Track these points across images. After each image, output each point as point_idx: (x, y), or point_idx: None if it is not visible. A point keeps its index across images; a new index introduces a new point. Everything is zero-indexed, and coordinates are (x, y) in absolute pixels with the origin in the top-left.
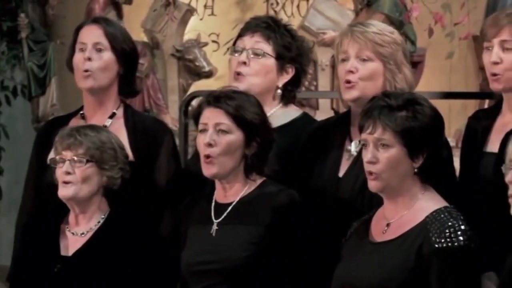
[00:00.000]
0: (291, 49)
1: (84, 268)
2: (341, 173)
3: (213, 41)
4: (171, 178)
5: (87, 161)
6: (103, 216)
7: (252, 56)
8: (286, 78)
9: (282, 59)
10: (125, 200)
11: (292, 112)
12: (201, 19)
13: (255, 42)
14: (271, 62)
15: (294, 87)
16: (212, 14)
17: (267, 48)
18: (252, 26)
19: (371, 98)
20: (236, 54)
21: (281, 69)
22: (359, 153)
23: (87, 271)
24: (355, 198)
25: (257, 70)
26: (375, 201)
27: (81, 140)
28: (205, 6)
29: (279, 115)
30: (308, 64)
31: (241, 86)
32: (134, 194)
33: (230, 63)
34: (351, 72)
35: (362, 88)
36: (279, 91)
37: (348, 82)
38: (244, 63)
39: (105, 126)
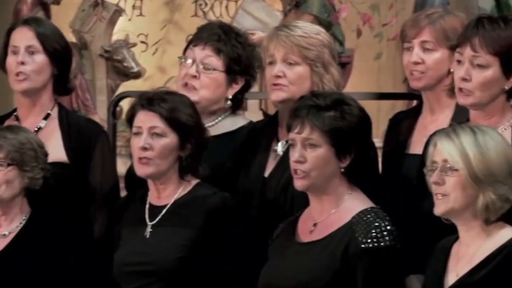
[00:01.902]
0: (241, 61)
1: (7, 269)
2: (267, 173)
3: (142, 42)
4: (105, 178)
5: (8, 164)
6: (24, 217)
7: (202, 70)
8: (235, 89)
9: (232, 73)
10: (50, 201)
11: (239, 120)
12: (129, 20)
13: (206, 55)
14: (221, 76)
15: (243, 94)
16: (141, 14)
17: (217, 63)
18: (204, 37)
19: (299, 98)
20: (186, 62)
21: (231, 82)
22: (285, 153)
23: (10, 272)
24: (278, 197)
25: (206, 84)
26: (297, 200)
27: (1, 144)
28: (134, 7)
29: (227, 122)
30: (257, 71)
31: (190, 97)
32: (69, 195)
33: (179, 70)
34: (278, 76)
35: (290, 90)
36: (229, 102)
37: (276, 84)
38: (195, 76)
39: (40, 128)
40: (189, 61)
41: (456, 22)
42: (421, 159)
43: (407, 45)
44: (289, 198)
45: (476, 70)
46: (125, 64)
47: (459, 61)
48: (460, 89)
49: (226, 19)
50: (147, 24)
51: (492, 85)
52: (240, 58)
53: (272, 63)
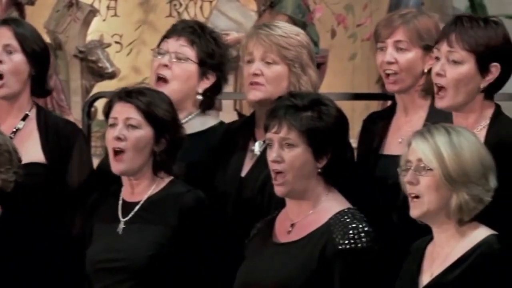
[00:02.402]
0: (214, 56)
1: None
2: (244, 173)
3: (116, 42)
4: (83, 179)
5: None
6: None
7: (174, 60)
8: (206, 84)
9: (204, 65)
10: (26, 201)
11: (209, 120)
12: (104, 20)
13: (179, 45)
14: (193, 67)
15: (214, 94)
16: (115, 15)
17: (191, 53)
18: (178, 29)
19: (277, 98)
20: (159, 56)
21: (202, 75)
22: (262, 153)
23: None
24: (255, 197)
25: (178, 75)
26: (274, 199)
27: None
28: (108, 7)
29: (196, 121)
30: (229, 72)
31: (161, 90)
32: (45, 196)
33: (152, 65)
34: (256, 74)
35: (267, 90)
36: (199, 96)
37: (253, 83)
38: (166, 65)
39: (18, 129)
40: (162, 51)
41: (429, 22)
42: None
43: (381, 45)
44: (267, 197)
45: (451, 66)
46: (99, 64)
47: (437, 58)
48: (437, 91)
49: (200, 20)
50: (122, 24)
51: (466, 82)
52: (214, 53)
53: (250, 61)
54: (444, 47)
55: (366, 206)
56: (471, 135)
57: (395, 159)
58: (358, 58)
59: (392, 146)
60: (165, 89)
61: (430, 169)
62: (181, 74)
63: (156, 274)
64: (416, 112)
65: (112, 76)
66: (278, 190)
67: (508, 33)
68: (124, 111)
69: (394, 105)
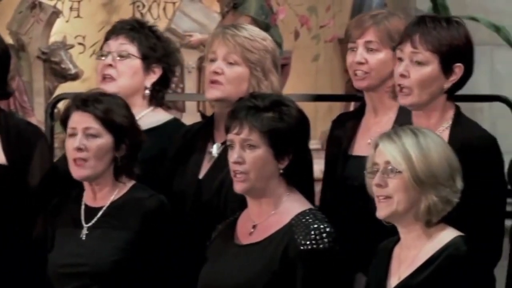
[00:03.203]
0: (157, 49)
1: None
2: (201, 175)
3: (79, 44)
4: (44, 182)
5: None
6: None
7: (118, 58)
8: (153, 78)
9: (148, 59)
10: None
11: (161, 116)
12: (67, 21)
13: (119, 44)
14: (137, 62)
15: (162, 88)
16: (78, 16)
17: (132, 49)
18: (117, 29)
19: (238, 99)
20: (103, 58)
21: (147, 69)
22: (220, 155)
23: None
24: (212, 199)
25: (123, 72)
26: (231, 202)
27: None
28: (71, 8)
29: (148, 118)
30: (175, 64)
31: (109, 88)
32: (5, 197)
33: (98, 68)
34: (217, 73)
35: (226, 89)
36: (147, 91)
37: (213, 82)
38: (110, 65)
39: None
40: (105, 53)
41: (400, 23)
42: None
43: (351, 45)
44: (223, 199)
45: (414, 67)
46: (62, 66)
47: (400, 59)
48: (400, 89)
49: (164, 21)
50: (85, 25)
51: (430, 83)
52: (156, 46)
53: (213, 60)
54: (407, 48)
55: (334, 206)
56: (437, 137)
57: (364, 160)
58: (321, 60)
59: (361, 147)
60: (112, 86)
61: (399, 172)
62: (126, 70)
63: (120, 279)
64: (385, 113)
65: (75, 77)
66: (238, 187)
67: (469, 34)
68: (82, 121)
69: (363, 105)
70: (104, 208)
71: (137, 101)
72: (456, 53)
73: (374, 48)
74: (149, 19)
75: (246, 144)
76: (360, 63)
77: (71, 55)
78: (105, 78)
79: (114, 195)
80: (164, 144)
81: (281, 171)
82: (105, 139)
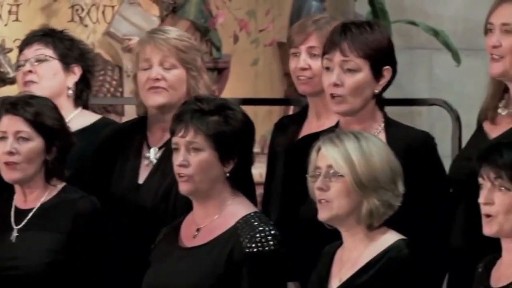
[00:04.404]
0: (73, 49)
1: None
2: (141, 180)
3: (18, 47)
4: None
5: None
6: None
7: (36, 63)
8: (74, 78)
9: (66, 58)
10: None
11: (90, 117)
12: (5, 25)
13: (35, 50)
14: (55, 64)
15: (85, 87)
16: (17, 20)
17: (48, 51)
18: (29, 39)
19: (184, 103)
20: (21, 68)
21: (67, 69)
22: (160, 160)
23: None
24: (158, 205)
25: (43, 74)
26: (179, 207)
27: None
28: (10, 12)
29: (77, 120)
30: (93, 64)
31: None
32: None
33: (18, 78)
34: (157, 79)
35: (169, 94)
36: (70, 91)
37: (154, 88)
38: (30, 71)
39: None
40: (22, 62)
41: None
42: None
43: (294, 50)
44: (171, 206)
45: (347, 75)
46: (1, 69)
47: (327, 68)
48: (332, 96)
49: (103, 25)
50: (24, 29)
51: (363, 89)
52: (71, 46)
53: (148, 67)
54: (337, 57)
55: (276, 209)
56: (379, 141)
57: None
58: (260, 63)
59: None
60: (35, 89)
61: (341, 175)
62: (46, 72)
63: (53, 281)
64: (328, 117)
65: (13, 81)
66: (183, 188)
67: (390, 35)
68: (12, 124)
69: (306, 109)
70: (34, 210)
71: (62, 103)
72: (384, 56)
73: (317, 53)
74: (88, 23)
75: (191, 147)
76: (303, 69)
77: (9, 58)
78: (26, 83)
79: (45, 197)
80: (93, 144)
81: (226, 174)
82: (36, 142)
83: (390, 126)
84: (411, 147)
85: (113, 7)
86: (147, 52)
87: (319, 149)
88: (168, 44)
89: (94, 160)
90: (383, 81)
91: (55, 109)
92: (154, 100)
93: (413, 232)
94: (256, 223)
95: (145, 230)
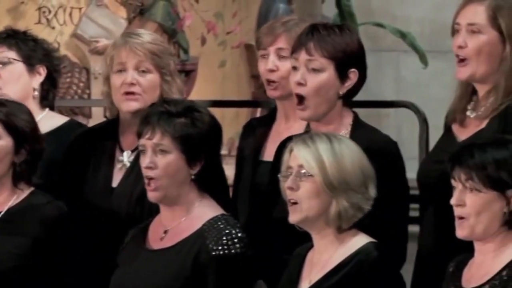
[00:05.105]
0: (37, 50)
1: None
2: (114, 184)
3: None
4: None
5: None
6: None
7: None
8: (40, 78)
9: (30, 60)
10: None
11: (57, 119)
12: None
13: None
14: (19, 66)
15: (51, 87)
16: None
17: (12, 54)
18: None
19: (151, 105)
20: None
21: (32, 70)
22: (133, 163)
23: None
24: (133, 209)
25: (8, 78)
26: (155, 210)
27: None
28: None
29: (45, 122)
30: (58, 63)
31: None
32: None
33: None
34: (132, 84)
35: (143, 99)
36: (36, 92)
37: (128, 93)
38: None
39: None
40: None
41: None
42: (272, 166)
43: (263, 52)
44: (147, 208)
45: (311, 74)
46: None
47: (294, 68)
48: (299, 101)
49: (70, 27)
50: None
51: (327, 90)
52: (35, 47)
53: (122, 70)
54: (302, 56)
55: (244, 211)
56: (352, 144)
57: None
58: (228, 66)
59: (271, 152)
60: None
61: (311, 175)
62: (11, 75)
63: (18, 285)
64: (296, 120)
65: None
66: (152, 196)
67: (361, 40)
68: None
69: (274, 111)
70: (1, 214)
71: (29, 105)
72: (351, 58)
73: (285, 55)
74: (55, 25)
75: (158, 149)
76: (272, 71)
77: None
78: None
79: (12, 201)
80: (61, 146)
81: (193, 176)
82: (5, 142)
83: (356, 128)
84: (369, 150)
85: (80, 9)
86: (122, 55)
87: (291, 150)
88: (144, 48)
89: (64, 165)
90: (348, 83)
91: (29, 113)
92: (129, 106)
93: (377, 235)
94: (222, 226)
95: (120, 234)
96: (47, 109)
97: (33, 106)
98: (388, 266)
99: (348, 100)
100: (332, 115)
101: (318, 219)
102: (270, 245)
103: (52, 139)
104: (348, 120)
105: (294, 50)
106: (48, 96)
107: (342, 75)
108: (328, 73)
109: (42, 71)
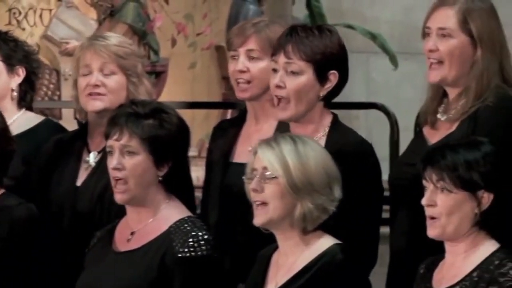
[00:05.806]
0: (17, 51)
1: None
2: (79, 183)
3: None
4: None
5: None
6: None
7: None
8: (18, 79)
9: (9, 60)
10: None
11: (33, 119)
12: None
13: None
14: None
15: (29, 89)
16: None
17: None
18: None
19: (119, 106)
20: None
21: (11, 71)
22: (98, 163)
23: None
24: (94, 207)
25: None
26: (114, 209)
27: None
28: None
29: (21, 121)
30: (38, 66)
31: None
32: None
33: None
34: (97, 85)
35: (109, 100)
36: (14, 93)
37: (93, 94)
38: None
39: None
40: None
41: (281, 31)
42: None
43: (233, 53)
44: (106, 207)
45: (290, 77)
46: None
47: (274, 70)
48: (278, 102)
49: (40, 28)
50: None
51: (306, 92)
52: (15, 47)
53: (87, 73)
54: (281, 58)
55: (213, 214)
56: (317, 145)
57: (244, 167)
58: (198, 67)
59: (241, 154)
60: None
61: (275, 177)
62: None
63: None
64: (266, 121)
65: None
66: (119, 198)
67: (342, 41)
68: None
69: (244, 112)
70: None
71: (7, 105)
72: (330, 60)
73: (256, 56)
74: (26, 26)
75: (126, 151)
76: (242, 72)
77: None
78: None
79: None
80: (37, 146)
81: (160, 178)
82: None
83: (334, 129)
84: (342, 151)
85: (50, 10)
86: (87, 58)
87: (256, 152)
88: (108, 50)
89: (34, 166)
90: (328, 85)
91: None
92: (94, 105)
93: (347, 235)
94: (189, 228)
95: (84, 233)
96: (23, 109)
97: (10, 106)
98: (354, 268)
99: (329, 101)
100: (312, 116)
101: (283, 221)
102: (240, 246)
103: (27, 139)
104: (327, 121)
105: (274, 52)
106: (26, 97)
107: (322, 78)
108: (307, 76)
109: (21, 72)
